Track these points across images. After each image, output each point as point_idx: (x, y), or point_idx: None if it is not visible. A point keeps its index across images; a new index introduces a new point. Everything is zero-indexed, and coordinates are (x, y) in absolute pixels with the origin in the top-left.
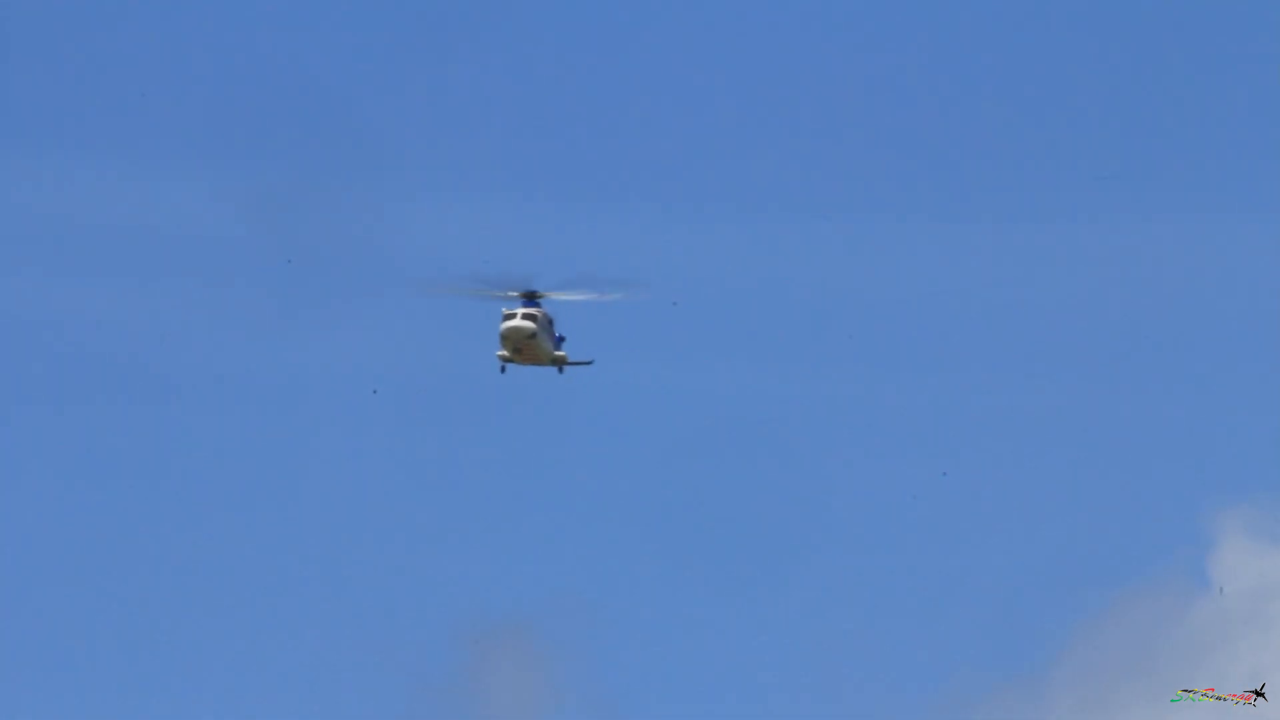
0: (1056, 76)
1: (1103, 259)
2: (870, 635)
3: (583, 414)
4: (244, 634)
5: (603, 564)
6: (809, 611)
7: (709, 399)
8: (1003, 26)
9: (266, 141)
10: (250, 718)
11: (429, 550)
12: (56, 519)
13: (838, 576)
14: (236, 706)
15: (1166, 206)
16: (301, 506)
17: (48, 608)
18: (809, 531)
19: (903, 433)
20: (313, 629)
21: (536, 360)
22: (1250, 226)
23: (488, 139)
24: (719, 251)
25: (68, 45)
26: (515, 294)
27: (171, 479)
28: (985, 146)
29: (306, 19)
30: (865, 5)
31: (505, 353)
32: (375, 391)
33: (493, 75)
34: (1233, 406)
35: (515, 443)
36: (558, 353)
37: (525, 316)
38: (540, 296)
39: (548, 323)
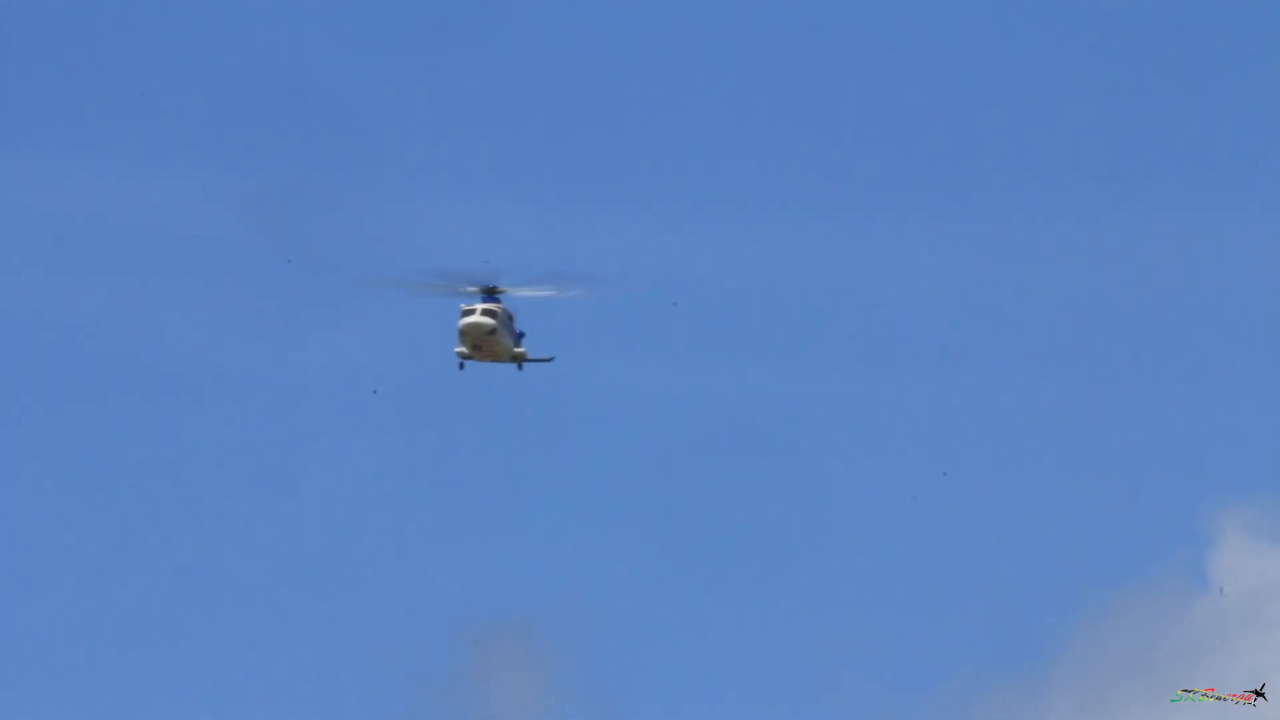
0: (1057, 77)
1: (1103, 259)
2: (869, 636)
3: (578, 414)
4: (243, 634)
5: (599, 564)
6: (808, 612)
7: (708, 399)
8: (1003, 26)
9: (265, 141)
10: (250, 718)
11: (425, 550)
12: (57, 518)
13: (836, 577)
14: (237, 707)
15: (1166, 206)
16: (301, 507)
17: (47, 608)
18: (808, 532)
19: (903, 433)
20: (312, 629)
21: (496, 357)
22: (1250, 226)
23: (487, 139)
24: (718, 251)
25: (68, 45)
26: (474, 289)
27: (171, 479)
28: (985, 146)
29: (306, 19)
30: (865, 5)
31: (464, 349)
32: (375, 391)
33: (492, 75)
34: (1233, 406)
35: (515, 443)
36: (517, 349)
37: (484, 312)
38: (500, 292)
39: (507, 319)
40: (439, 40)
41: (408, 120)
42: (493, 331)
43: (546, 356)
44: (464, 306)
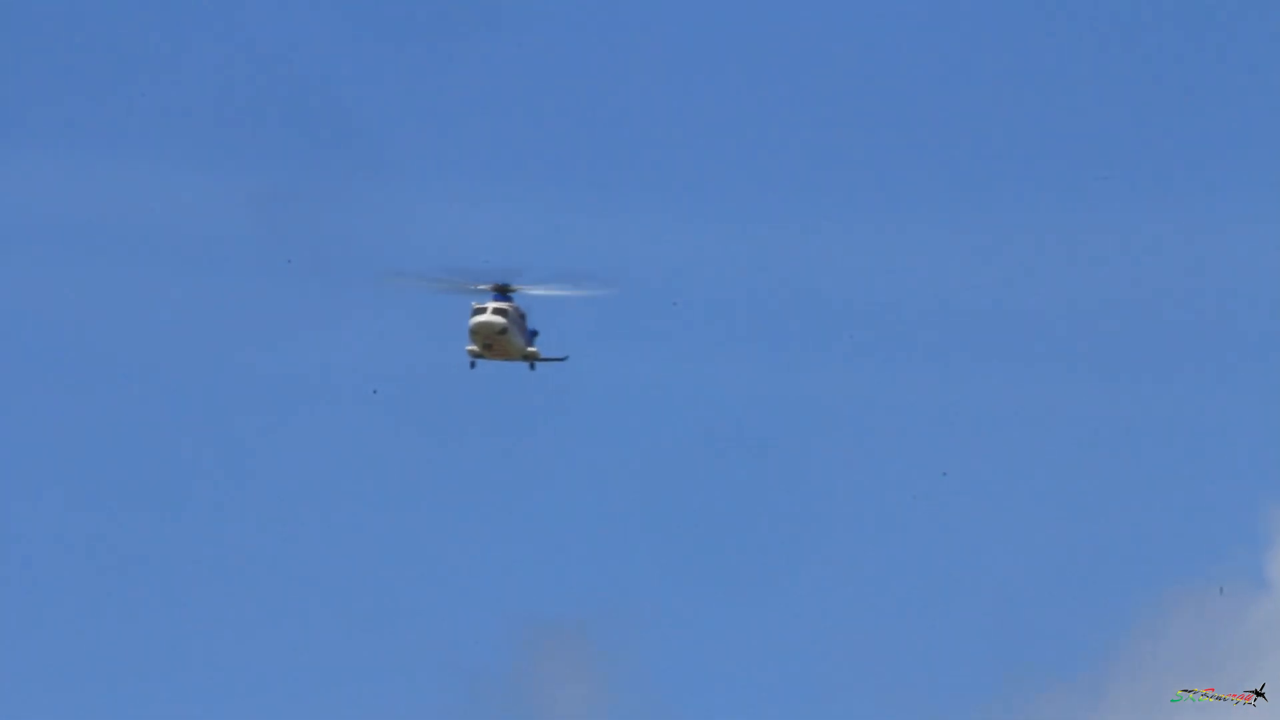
0: (1058, 76)
1: (1103, 258)
2: (868, 636)
3: (584, 412)
4: (243, 633)
5: (598, 564)
6: (807, 612)
7: (708, 399)
8: (1004, 26)
9: (265, 141)
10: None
11: (430, 550)
12: (56, 518)
13: (835, 577)
14: (235, 707)
15: (1167, 206)
16: (302, 507)
17: (46, 607)
18: (808, 532)
19: (902, 432)
20: (312, 629)
21: (507, 356)
22: (1252, 226)
23: (499, 136)
24: (718, 251)
25: (68, 45)
26: (486, 287)
27: (171, 478)
28: (986, 146)
29: (307, 18)
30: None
31: (475, 348)
32: (375, 391)
33: (493, 75)
34: (1233, 406)
35: (521, 442)
36: (529, 348)
37: (495, 311)
38: (512, 290)
39: (519, 317)
40: (449, 38)
41: (417, 118)
42: (503, 330)
43: (559, 355)
44: (475, 305)
